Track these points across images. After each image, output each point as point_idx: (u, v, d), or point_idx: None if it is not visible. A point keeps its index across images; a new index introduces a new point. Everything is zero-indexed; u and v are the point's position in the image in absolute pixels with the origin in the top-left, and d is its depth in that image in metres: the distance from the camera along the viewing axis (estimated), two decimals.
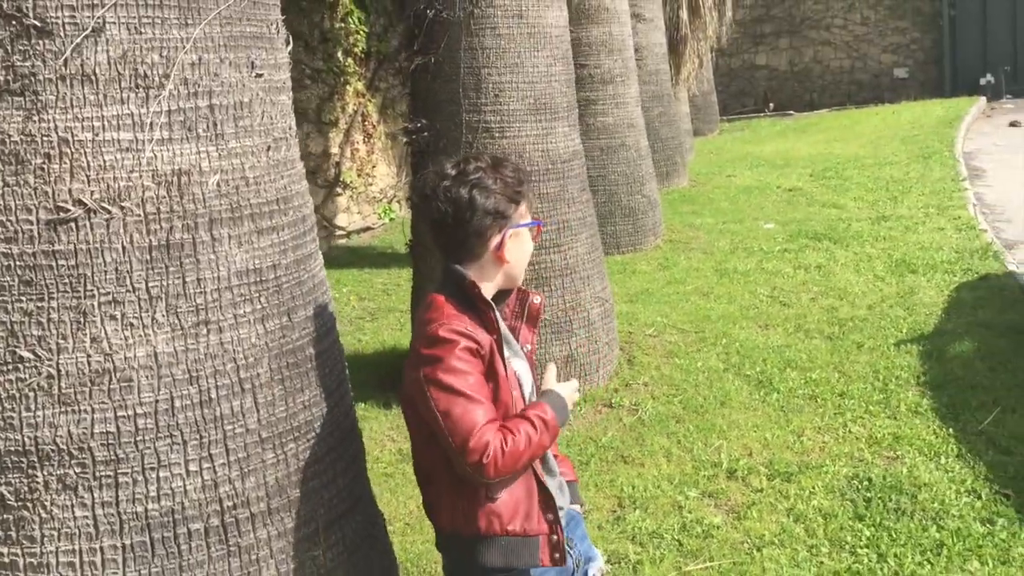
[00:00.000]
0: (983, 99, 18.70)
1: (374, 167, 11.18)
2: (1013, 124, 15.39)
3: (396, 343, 6.33)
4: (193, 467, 1.94)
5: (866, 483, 3.94)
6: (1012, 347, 5.27)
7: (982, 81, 19.72)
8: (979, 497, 3.76)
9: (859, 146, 14.03)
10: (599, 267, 5.51)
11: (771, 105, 22.14)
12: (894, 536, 3.52)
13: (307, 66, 9.80)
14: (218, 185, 1.98)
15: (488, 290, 2.15)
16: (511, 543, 2.07)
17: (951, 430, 4.34)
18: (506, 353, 2.14)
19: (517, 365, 2.21)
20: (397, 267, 8.61)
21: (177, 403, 1.92)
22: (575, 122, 5.42)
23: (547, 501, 2.09)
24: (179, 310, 1.92)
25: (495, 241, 2.13)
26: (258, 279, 2.05)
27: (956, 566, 3.32)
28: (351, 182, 10.73)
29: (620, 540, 3.70)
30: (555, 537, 2.09)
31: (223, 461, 1.98)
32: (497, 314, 2.11)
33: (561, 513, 2.17)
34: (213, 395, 1.96)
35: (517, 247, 2.17)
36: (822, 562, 3.43)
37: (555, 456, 2.35)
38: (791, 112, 21.25)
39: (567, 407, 2.12)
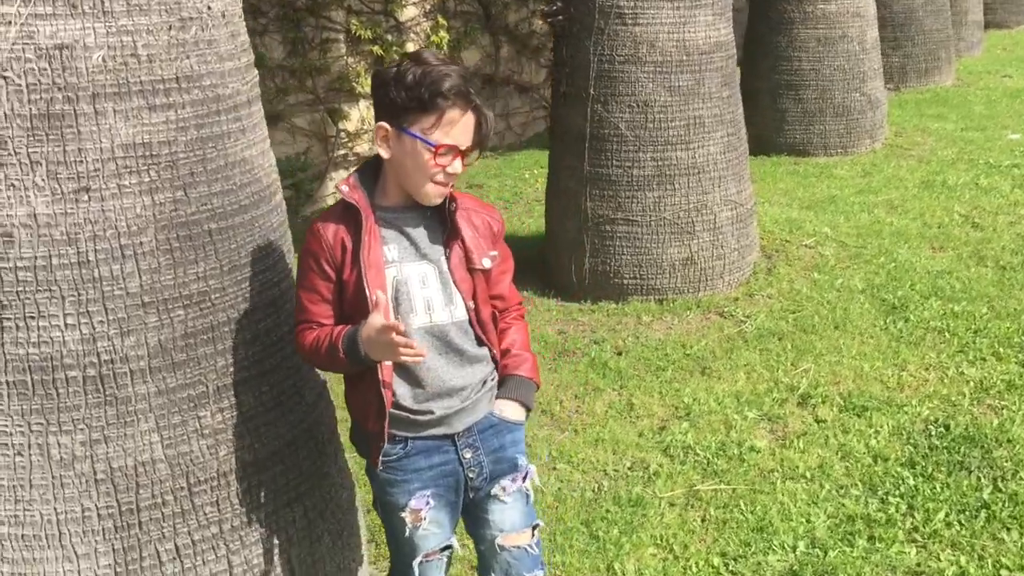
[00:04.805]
0: None
1: None
2: None
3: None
4: (71, 321, 2.13)
5: (942, 430, 3.53)
6: None
7: None
8: None
9: None
10: (737, 169, 5.17)
11: None
12: (937, 490, 3.16)
13: None
14: (103, 60, 2.09)
15: (391, 192, 2.12)
16: (358, 432, 2.22)
17: None
18: (391, 255, 2.10)
19: (410, 269, 2.12)
20: None
21: (55, 261, 2.10)
22: (723, 11, 5.02)
23: (380, 410, 2.08)
24: (59, 176, 2.08)
25: (381, 129, 2.10)
26: (147, 153, 2.17)
27: (987, 532, 2.93)
28: None
29: (653, 450, 3.60)
30: (381, 444, 2.10)
31: (101, 319, 2.15)
32: (364, 217, 2.06)
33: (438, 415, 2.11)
34: (91, 257, 2.12)
35: (400, 149, 2.06)
36: (843, 504, 3.15)
37: (512, 351, 2.25)
38: None
39: (358, 345, 1.98)
